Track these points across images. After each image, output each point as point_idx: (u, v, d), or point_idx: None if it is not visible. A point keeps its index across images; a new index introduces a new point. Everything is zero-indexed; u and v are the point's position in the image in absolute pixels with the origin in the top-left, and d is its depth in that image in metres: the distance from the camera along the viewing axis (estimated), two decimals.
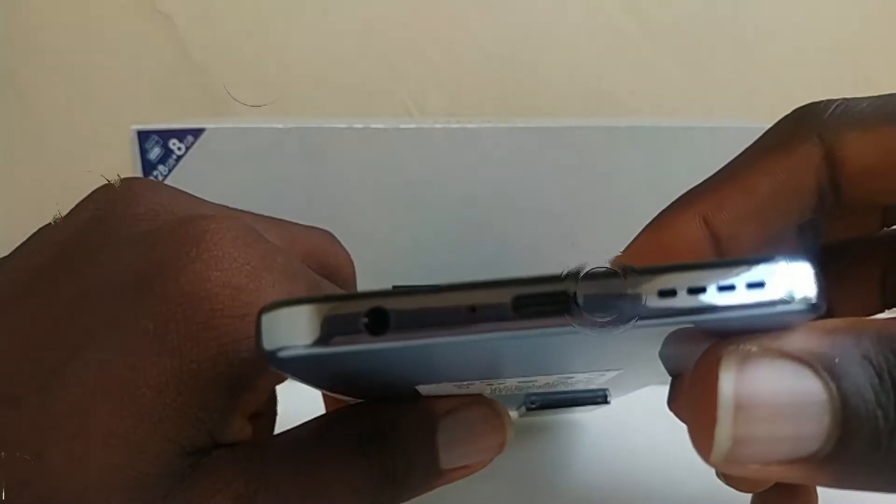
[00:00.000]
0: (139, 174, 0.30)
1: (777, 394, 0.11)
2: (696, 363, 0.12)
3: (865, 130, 0.16)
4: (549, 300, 0.11)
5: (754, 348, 0.11)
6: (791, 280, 0.11)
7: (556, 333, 0.12)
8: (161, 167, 0.30)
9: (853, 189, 0.17)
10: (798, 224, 0.18)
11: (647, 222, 0.18)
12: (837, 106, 0.17)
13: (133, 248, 0.16)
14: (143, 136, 0.30)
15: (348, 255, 0.22)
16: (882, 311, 0.20)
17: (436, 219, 0.31)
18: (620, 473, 0.25)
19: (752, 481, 0.19)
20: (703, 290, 0.11)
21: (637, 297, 0.11)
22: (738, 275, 0.11)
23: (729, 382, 0.11)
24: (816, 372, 0.11)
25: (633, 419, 0.27)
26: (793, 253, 0.11)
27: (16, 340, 0.15)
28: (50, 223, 0.18)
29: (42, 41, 0.48)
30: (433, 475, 0.17)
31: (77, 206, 0.18)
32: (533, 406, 0.22)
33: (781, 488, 0.19)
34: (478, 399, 0.17)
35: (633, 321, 0.11)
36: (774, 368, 0.11)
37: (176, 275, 0.15)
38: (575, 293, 0.11)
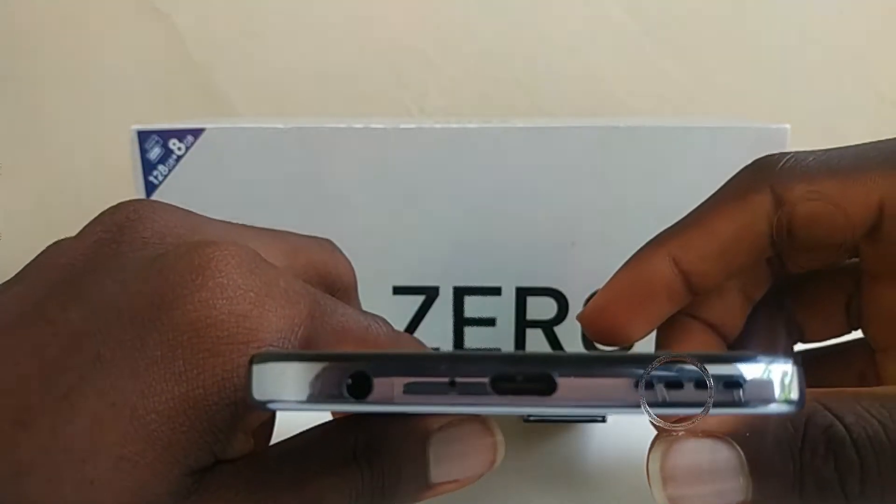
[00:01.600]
0: (139, 174, 0.30)
1: (698, 462, 0.15)
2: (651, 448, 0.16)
3: (810, 182, 0.19)
4: (528, 379, 0.12)
5: (682, 432, 0.15)
6: (775, 381, 0.12)
7: (532, 412, 0.12)
8: (161, 167, 0.30)
9: (802, 231, 0.19)
10: (763, 259, 0.21)
11: (624, 261, 0.21)
12: (788, 160, 0.19)
13: (140, 273, 0.16)
14: (143, 136, 0.30)
15: (349, 263, 0.22)
16: (849, 333, 0.22)
17: (436, 219, 0.31)
18: (619, 477, 0.25)
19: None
20: (679, 385, 0.12)
21: (614, 388, 0.12)
22: (718, 372, 0.12)
23: (655, 464, 0.16)
24: (730, 444, 0.15)
25: (632, 427, 0.27)
26: (774, 351, 0.12)
27: (25, 363, 0.15)
28: (57, 242, 0.18)
29: (42, 41, 0.48)
30: (422, 488, 0.17)
31: (84, 228, 0.18)
32: (530, 420, 0.22)
33: None
34: (471, 416, 0.18)
35: (604, 407, 0.12)
36: (697, 445, 0.15)
37: (182, 303, 0.15)
38: (554, 375, 0.12)
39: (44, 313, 0.16)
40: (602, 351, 0.12)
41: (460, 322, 0.32)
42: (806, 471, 0.14)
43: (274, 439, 0.19)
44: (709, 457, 0.15)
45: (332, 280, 0.21)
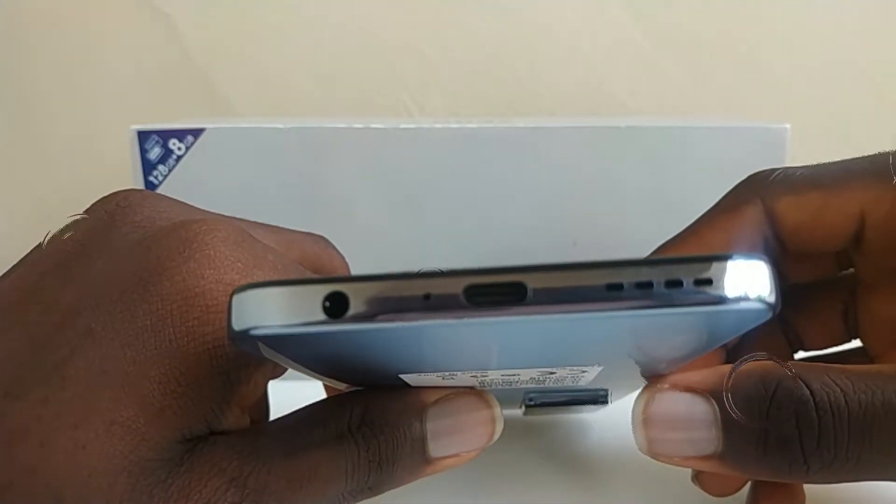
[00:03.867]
0: (139, 174, 0.30)
1: (676, 412, 0.17)
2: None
3: (797, 195, 0.20)
4: (500, 289, 0.12)
5: (666, 385, 0.17)
6: (746, 279, 0.11)
7: (507, 322, 0.12)
8: (161, 167, 0.30)
9: (792, 241, 0.20)
10: None
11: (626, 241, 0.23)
12: (778, 174, 0.20)
13: (129, 252, 0.16)
14: (143, 136, 0.30)
15: (343, 259, 0.22)
16: (849, 341, 0.23)
17: (436, 219, 0.31)
18: (619, 473, 0.25)
19: (718, 485, 0.22)
20: (649, 284, 0.11)
21: (585, 289, 0.12)
22: (686, 271, 0.11)
23: (638, 408, 0.17)
24: (707, 399, 0.17)
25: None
26: (749, 252, 0.12)
27: (18, 341, 0.15)
28: (52, 234, 0.18)
29: (42, 41, 0.48)
30: (421, 462, 0.17)
31: (80, 217, 0.18)
32: (531, 403, 0.22)
33: (768, 490, 0.21)
34: (467, 389, 0.18)
35: (578, 313, 0.12)
36: (677, 397, 0.17)
37: (171, 274, 0.15)
38: (527, 283, 0.12)
39: (36, 296, 0.16)
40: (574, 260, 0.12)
41: None
42: (771, 427, 0.16)
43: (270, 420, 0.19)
44: (686, 408, 0.17)
45: (325, 273, 0.21)
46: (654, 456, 0.18)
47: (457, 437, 0.18)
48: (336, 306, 0.12)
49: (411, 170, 0.30)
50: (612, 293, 0.12)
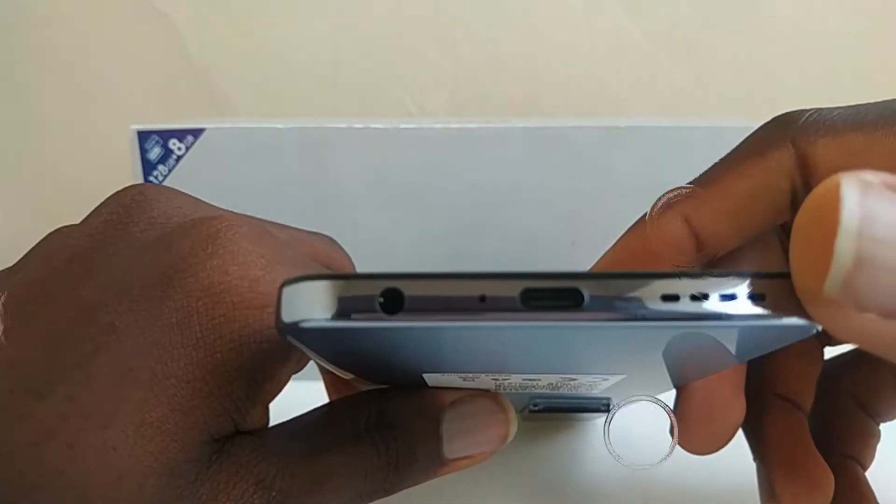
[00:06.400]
0: (139, 174, 0.30)
1: None
2: (808, 198, 0.11)
3: (835, 136, 0.17)
4: (556, 295, 0.12)
5: (876, 180, 0.10)
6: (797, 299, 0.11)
7: (561, 328, 0.12)
8: (161, 167, 0.30)
9: None
10: (780, 224, 0.19)
11: (634, 220, 0.20)
12: (811, 114, 0.18)
13: (149, 248, 0.16)
14: (143, 136, 0.30)
15: (349, 260, 0.22)
16: None
17: (436, 219, 0.31)
18: (620, 476, 0.25)
19: (702, 438, 0.19)
20: (705, 297, 0.12)
21: (641, 299, 0.12)
22: (741, 286, 0.12)
23: (854, 194, 0.10)
24: None
25: (635, 425, 0.27)
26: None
27: (35, 338, 0.15)
28: (59, 229, 0.18)
29: (42, 41, 0.48)
30: (436, 464, 0.17)
31: (92, 211, 0.18)
32: (536, 409, 0.22)
33: (786, 472, 0.19)
34: (483, 391, 0.18)
35: (635, 321, 0.12)
36: None
37: (195, 270, 0.15)
38: (583, 289, 0.12)
39: (51, 292, 0.16)
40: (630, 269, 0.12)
41: None
42: None
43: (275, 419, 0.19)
44: None
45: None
46: (841, 308, 0.10)
47: (472, 438, 0.17)
48: (391, 302, 0.12)
49: (411, 170, 0.30)
50: (667, 304, 0.12)
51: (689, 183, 0.19)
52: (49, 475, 0.14)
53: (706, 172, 0.19)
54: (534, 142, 0.30)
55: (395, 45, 0.48)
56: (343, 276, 0.12)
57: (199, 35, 0.48)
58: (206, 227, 0.16)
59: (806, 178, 0.17)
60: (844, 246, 0.10)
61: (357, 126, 0.30)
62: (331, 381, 0.22)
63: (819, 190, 0.11)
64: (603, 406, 0.22)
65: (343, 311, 0.12)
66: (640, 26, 0.47)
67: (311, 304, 0.12)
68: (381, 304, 0.12)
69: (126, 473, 0.14)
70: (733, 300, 0.12)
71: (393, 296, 0.12)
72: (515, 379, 0.17)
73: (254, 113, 0.48)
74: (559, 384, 0.18)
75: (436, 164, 0.30)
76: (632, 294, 0.12)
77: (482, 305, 0.12)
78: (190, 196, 0.19)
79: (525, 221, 0.31)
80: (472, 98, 0.48)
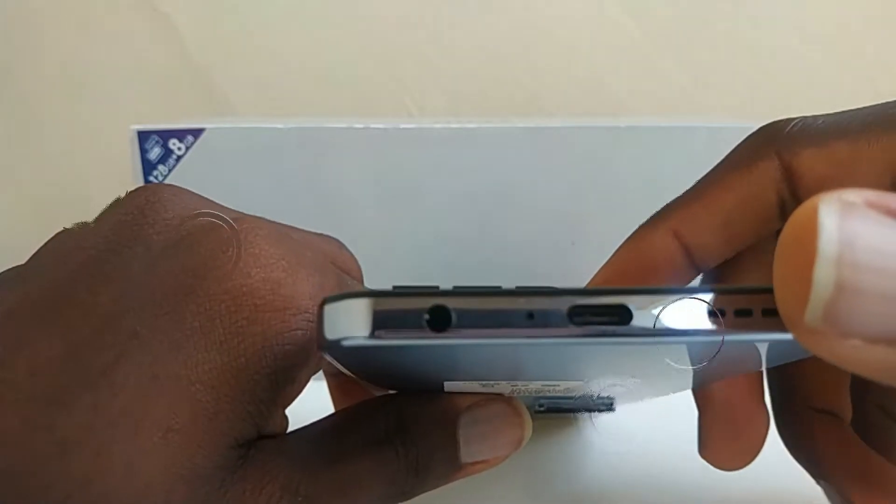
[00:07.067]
0: (139, 174, 0.30)
1: (884, 251, 0.10)
2: (788, 221, 0.10)
3: (820, 146, 0.17)
4: (604, 311, 0.12)
5: (857, 199, 0.10)
6: None
7: (609, 344, 0.12)
8: (161, 167, 0.30)
9: None
10: (774, 233, 0.19)
11: (627, 236, 0.20)
12: (796, 124, 0.18)
13: (167, 251, 0.16)
14: (143, 136, 0.30)
15: (356, 262, 0.22)
16: None
17: (436, 219, 0.31)
18: (624, 476, 0.25)
19: (730, 454, 0.19)
20: (748, 312, 0.12)
21: (717, 315, 0.12)
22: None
23: (832, 218, 0.10)
24: None
25: (638, 423, 0.27)
26: None
27: (56, 346, 0.15)
28: (68, 229, 0.18)
29: (42, 41, 0.48)
30: (453, 468, 0.17)
31: (103, 212, 0.18)
32: (541, 409, 0.22)
33: (863, 482, 0.19)
34: (498, 396, 0.18)
35: (682, 336, 0.12)
36: (882, 225, 0.10)
37: (217, 274, 0.15)
38: (630, 306, 0.12)
39: (71, 298, 0.15)
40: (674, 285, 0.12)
41: None
42: None
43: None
44: None
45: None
46: (825, 337, 0.10)
47: (488, 443, 0.17)
48: (438, 319, 0.12)
49: (411, 170, 0.30)
50: (712, 319, 0.12)
51: (679, 196, 0.19)
52: (77, 486, 0.13)
53: (695, 185, 0.19)
54: (534, 142, 0.30)
55: (395, 45, 0.48)
56: (385, 292, 0.12)
57: (199, 35, 0.48)
58: (226, 229, 0.16)
59: (793, 189, 0.17)
60: (823, 274, 0.10)
61: (357, 126, 0.30)
62: (336, 384, 0.22)
63: (798, 213, 0.10)
64: (605, 406, 0.22)
65: (388, 328, 0.12)
66: (640, 26, 0.47)
67: (355, 322, 0.12)
68: (427, 321, 0.12)
69: (154, 481, 0.14)
70: (776, 315, 0.11)
71: (440, 313, 0.12)
72: (535, 385, 0.17)
73: (254, 113, 0.48)
74: (575, 388, 0.18)
75: (436, 164, 0.30)
76: (679, 310, 0.12)
77: (530, 322, 0.12)
78: (203, 197, 0.19)
79: (525, 221, 0.31)
80: (472, 98, 0.48)
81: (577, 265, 0.31)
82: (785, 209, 0.18)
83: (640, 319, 0.12)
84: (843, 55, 0.47)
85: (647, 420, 0.26)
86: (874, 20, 0.47)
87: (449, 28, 0.47)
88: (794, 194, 0.17)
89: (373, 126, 0.30)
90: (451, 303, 0.12)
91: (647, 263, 0.19)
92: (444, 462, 0.17)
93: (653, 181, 0.30)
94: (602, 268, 0.20)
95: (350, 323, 0.12)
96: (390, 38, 0.47)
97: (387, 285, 0.31)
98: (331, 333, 0.12)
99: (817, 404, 0.20)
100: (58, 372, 0.14)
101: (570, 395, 0.20)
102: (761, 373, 0.19)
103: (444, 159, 0.30)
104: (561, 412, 0.23)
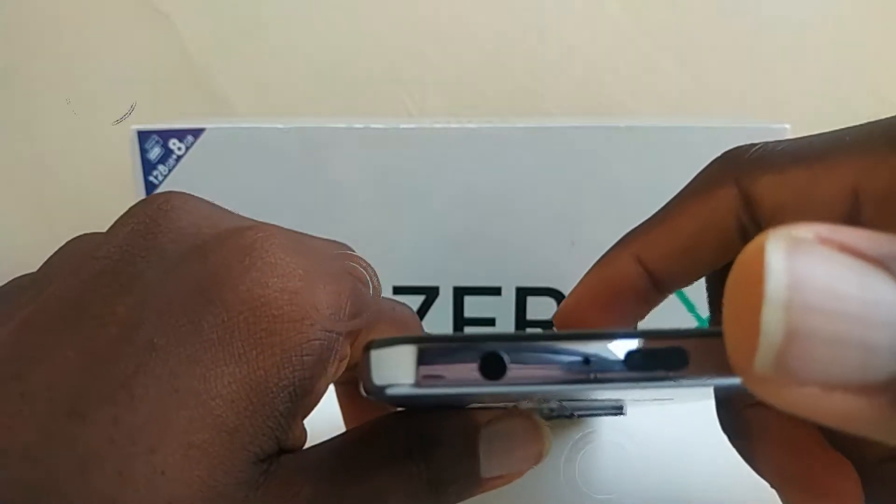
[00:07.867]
0: (139, 174, 0.30)
1: (837, 291, 0.09)
2: (735, 261, 0.10)
3: (778, 172, 0.17)
4: (661, 354, 0.12)
5: (808, 235, 0.09)
6: None
7: (662, 386, 0.12)
8: (161, 167, 0.30)
9: (772, 226, 0.16)
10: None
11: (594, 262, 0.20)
12: (756, 150, 0.18)
13: (183, 261, 0.16)
14: (143, 136, 0.30)
15: (371, 267, 0.22)
16: None
17: (436, 219, 0.31)
18: (632, 479, 0.25)
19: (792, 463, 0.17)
20: None
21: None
22: None
23: (779, 257, 0.09)
24: (891, 274, 0.09)
25: (646, 425, 0.27)
26: None
27: (73, 358, 0.14)
28: (81, 237, 0.18)
29: (41, 41, 0.48)
30: (474, 483, 0.17)
31: (116, 221, 0.17)
32: (552, 415, 0.22)
33: None
34: (517, 410, 0.18)
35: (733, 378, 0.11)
36: (834, 263, 0.09)
37: (233, 284, 0.15)
38: (687, 349, 0.12)
39: (87, 309, 0.15)
40: None
41: (460, 322, 0.32)
42: None
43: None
44: (856, 284, 0.09)
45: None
46: (779, 386, 0.09)
47: (509, 457, 0.17)
48: (491, 368, 0.12)
49: (411, 170, 0.30)
50: None
51: (643, 223, 0.20)
52: (100, 503, 0.13)
53: (659, 210, 0.19)
54: (534, 142, 0.30)
55: (395, 45, 0.48)
56: (434, 337, 0.12)
57: (199, 35, 0.48)
58: (242, 237, 0.16)
59: (753, 215, 0.17)
60: (772, 319, 0.09)
61: (357, 126, 0.30)
62: (344, 392, 0.22)
63: (745, 253, 0.09)
64: (617, 410, 0.22)
65: (439, 376, 0.12)
66: (640, 27, 0.47)
67: (404, 370, 0.12)
68: (480, 368, 0.12)
69: (175, 499, 0.13)
70: None
71: (493, 361, 0.12)
72: (556, 403, 0.17)
73: (254, 113, 0.48)
74: (592, 399, 0.18)
75: (435, 165, 0.30)
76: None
77: (586, 367, 0.12)
78: (217, 205, 0.18)
79: (524, 221, 0.31)
80: (472, 98, 0.48)
81: (577, 265, 0.31)
82: (746, 235, 0.17)
83: (697, 363, 0.12)
84: (842, 55, 0.47)
85: (654, 421, 0.26)
86: (874, 20, 0.47)
87: (449, 28, 0.47)
88: (754, 220, 0.17)
89: (373, 126, 0.30)
90: (504, 349, 0.12)
91: (612, 288, 0.19)
92: (466, 477, 0.17)
93: (653, 181, 0.30)
94: (572, 292, 0.20)
95: (397, 370, 0.12)
96: (390, 38, 0.47)
97: (386, 286, 0.31)
98: (379, 380, 0.12)
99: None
100: (76, 384, 0.14)
101: (582, 401, 0.20)
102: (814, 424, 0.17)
103: (444, 159, 0.30)
104: (570, 417, 0.23)
